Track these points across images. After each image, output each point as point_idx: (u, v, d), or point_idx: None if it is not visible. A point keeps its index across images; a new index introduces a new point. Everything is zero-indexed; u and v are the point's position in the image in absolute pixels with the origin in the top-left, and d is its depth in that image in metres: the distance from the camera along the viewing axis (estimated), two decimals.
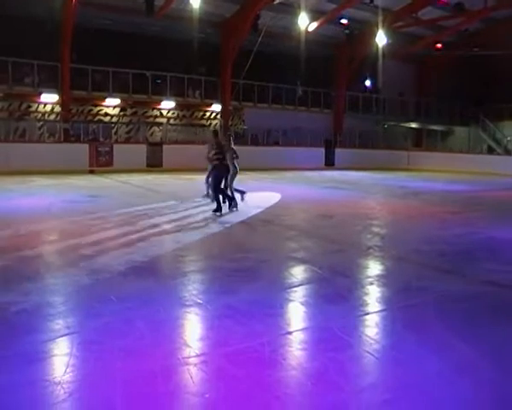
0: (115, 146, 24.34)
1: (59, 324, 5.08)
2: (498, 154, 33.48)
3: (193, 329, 5.38)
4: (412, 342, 4.94)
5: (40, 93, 24.10)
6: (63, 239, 9.29)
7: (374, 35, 26.76)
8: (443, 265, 8.07)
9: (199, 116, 29.54)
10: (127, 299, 5.88)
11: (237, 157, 13.00)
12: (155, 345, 4.71)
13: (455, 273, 7.56)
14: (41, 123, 24.51)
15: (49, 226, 10.56)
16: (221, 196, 12.22)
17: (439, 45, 33.30)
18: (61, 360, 4.33)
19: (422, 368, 4.41)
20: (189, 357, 4.45)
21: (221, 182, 12.32)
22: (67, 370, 4.12)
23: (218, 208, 12.02)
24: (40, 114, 24.79)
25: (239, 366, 4.35)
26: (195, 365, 4.30)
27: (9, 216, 11.35)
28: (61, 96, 24.18)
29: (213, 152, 12.48)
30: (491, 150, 34.64)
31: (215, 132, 13.61)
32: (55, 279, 6.74)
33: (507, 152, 32.83)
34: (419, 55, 34.17)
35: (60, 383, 3.91)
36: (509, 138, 33.27)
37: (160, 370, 4.23)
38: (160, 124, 27.97)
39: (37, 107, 24.75)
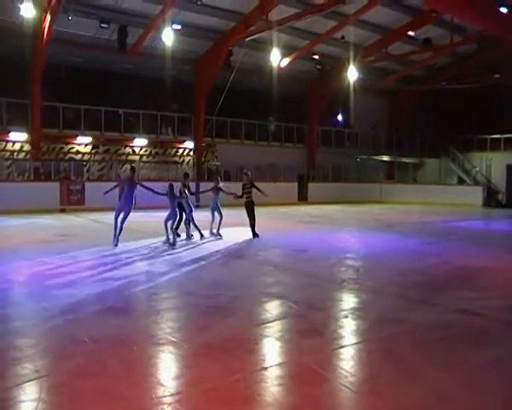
0: (87, 184, 24.14)
1: (26, 368, 4.89)
2: (468, 184, 34.17)
3: (167, 368, 5.26)
4: (389, 373, 4.92)
5: (9, 131, 23.87)
6: (32, 280, 9.03)
7: (345, 70, 27.31)
8: (417, 295, 8.12)
9: (172, 153, 29.53)
10: (100, 339, 5.75)
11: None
12: (129, 385, 4.61)
13: (429, 303, 7.59)
14: (9, 162, 24.21)
15: (18, 267, 10.30)
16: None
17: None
18: (28, 407, 4.16)
19: (400, 400, 4.38)
20: (164, 396, 4.35)
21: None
22: None
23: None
24: (8, 153, 24.49)
25: (214, 404, 4.27)
26: (170, 404, 4.21)
27: None
28: (32, 134, 23.99)
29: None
30: (461, 181, 35.35)
31: (186, 175, 14.93)
32: (23, 321, 6.53)
33: (476, 182, 33.53)
34: (390, 90, 35.00)
35: None
36: (477, 169, 34.01)
37: None
38: (133, 161, 27.84)
39: (6, 145, 24.47)
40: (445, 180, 35.11)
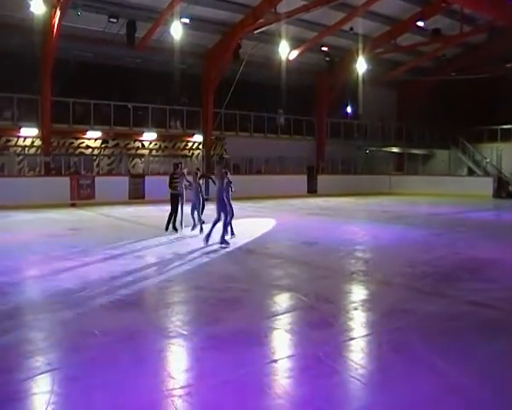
0: (97, 179, 24.25)
1: (39, 361, 4.95)
2: (478, 175, 33.97)
3: (178, 360, 5.29)
4: (398, 365, 4.93)
5: (20, 127, 24.03)
6: (44, 274, 9.11)
7: (354, 62, 27.21)
8: (426, 287, 8.10)
9: (181, 147, 29.57)
10: (111, 332, 5.80)
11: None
12: (139, 378, 4.63)
13: (438, 295, 7.58)
14: (21, 157, 24.38)
15: (29, 261, 10.40)
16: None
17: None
18: (41, 399, 4.22)
19: (410, 391, 4.39)
20: (174, 389, 4.38)
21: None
22: (48, 408, 4.02)
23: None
24: (20, 148, 24.65)
25: (225, 396, 4.29)
26: (180, 397, 4.24)
27: None
28: (42, 129, 24.12)
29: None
30: (471, 172, 35.14)
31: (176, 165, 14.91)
32: (35, 315, 6.60)
33: (486, 173, 33.32)
34: (399, 81, 34.78)
35: None
36: (487, 160, 33.79)
37: (145, 404, 4.16)
38: (142, 156, 27.96)
39: (17, 141, 24.63)
40: (455, 171, 34.94)
